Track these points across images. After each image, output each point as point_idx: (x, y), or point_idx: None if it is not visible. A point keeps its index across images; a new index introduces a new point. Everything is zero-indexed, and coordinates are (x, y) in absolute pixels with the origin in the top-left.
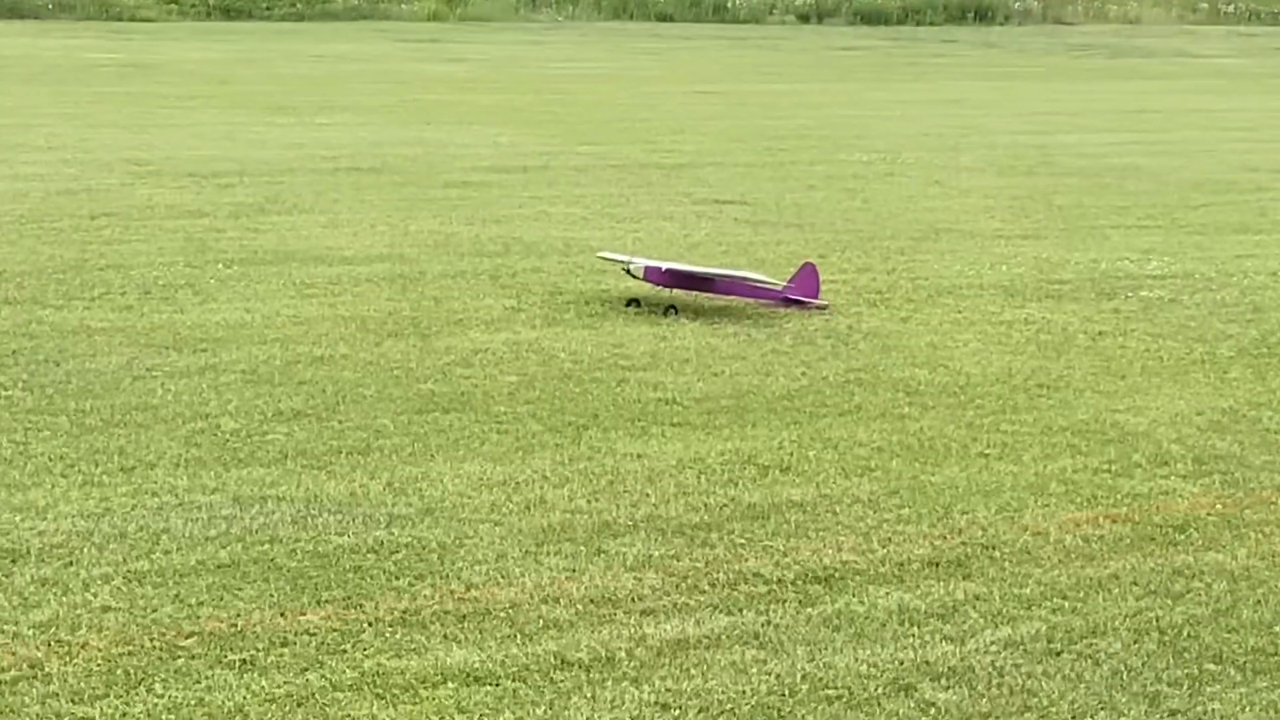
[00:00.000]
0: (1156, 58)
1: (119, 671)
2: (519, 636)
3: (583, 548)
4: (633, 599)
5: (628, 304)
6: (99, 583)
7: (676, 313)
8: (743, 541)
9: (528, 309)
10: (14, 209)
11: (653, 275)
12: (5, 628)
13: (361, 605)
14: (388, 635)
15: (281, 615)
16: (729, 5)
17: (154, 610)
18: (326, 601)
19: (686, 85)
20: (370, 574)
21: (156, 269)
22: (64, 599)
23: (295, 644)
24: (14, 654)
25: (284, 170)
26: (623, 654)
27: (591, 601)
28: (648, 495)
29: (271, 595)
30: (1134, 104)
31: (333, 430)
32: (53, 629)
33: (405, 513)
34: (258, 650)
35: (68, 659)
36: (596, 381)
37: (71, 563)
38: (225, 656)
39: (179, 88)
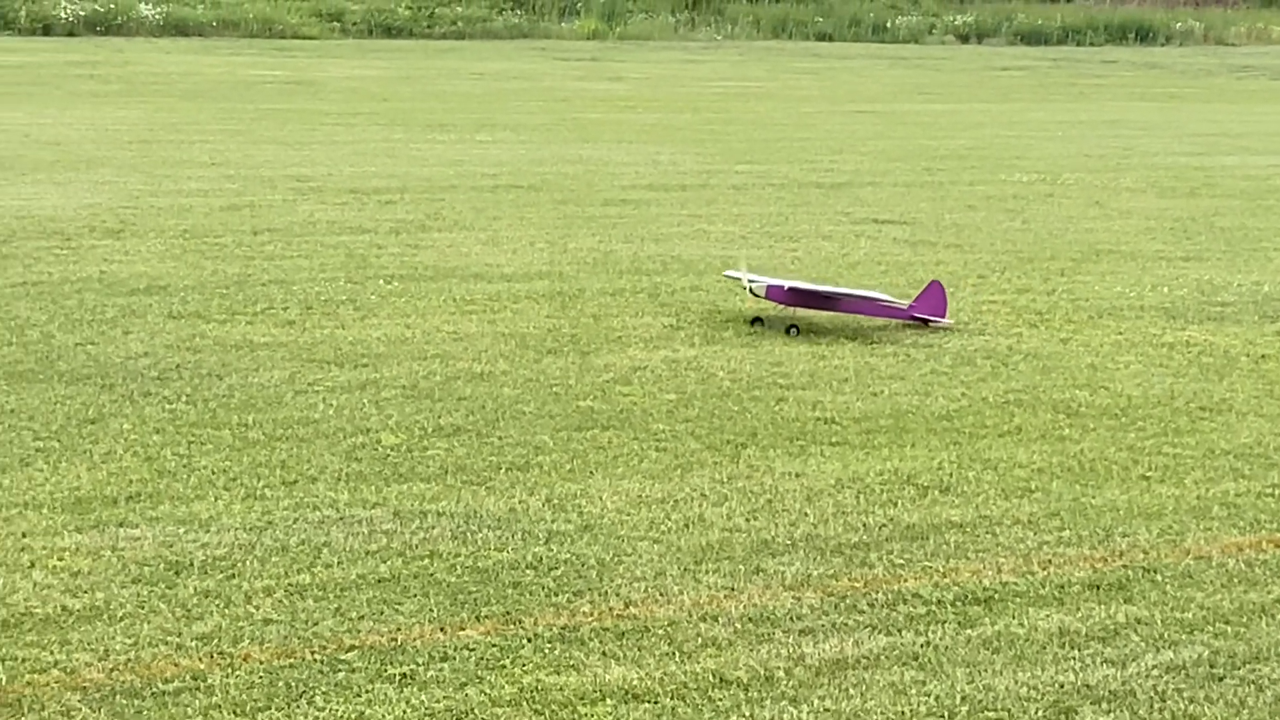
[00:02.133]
0: None
1: (280, 684)
2: (677, 654)
3: (741, 566)
4: (791, 618)
5: (751, 322)
6: (261, 595)
7: (798, 332)
8: (902, 562)
9: (686, 327)
10: (178, 224)
11: (775, 294)
12: (169, 639)
13: (520, 621)
14: (546, 651)
15: (441, 630)
16: (888, 25)
17: (315, 623)
18: (486, 617)
19: (845, 104)
20: (529, 590)
21: (318, 284)
22: (226, 611)
23: (455, 659)
24: (177, 665)
25: (445, 187)
26: (781, 673)
27: (750, 620)
28: (806, 514)
29: (431, 610)
30: None
31: (492, 446)
32: (215, 640)
33: (564, 529)
34: (418, 664)
35: (230, 671)
36: (755, 400)
37: (234, 575)
38: (385, 670)
39: (341, 105)
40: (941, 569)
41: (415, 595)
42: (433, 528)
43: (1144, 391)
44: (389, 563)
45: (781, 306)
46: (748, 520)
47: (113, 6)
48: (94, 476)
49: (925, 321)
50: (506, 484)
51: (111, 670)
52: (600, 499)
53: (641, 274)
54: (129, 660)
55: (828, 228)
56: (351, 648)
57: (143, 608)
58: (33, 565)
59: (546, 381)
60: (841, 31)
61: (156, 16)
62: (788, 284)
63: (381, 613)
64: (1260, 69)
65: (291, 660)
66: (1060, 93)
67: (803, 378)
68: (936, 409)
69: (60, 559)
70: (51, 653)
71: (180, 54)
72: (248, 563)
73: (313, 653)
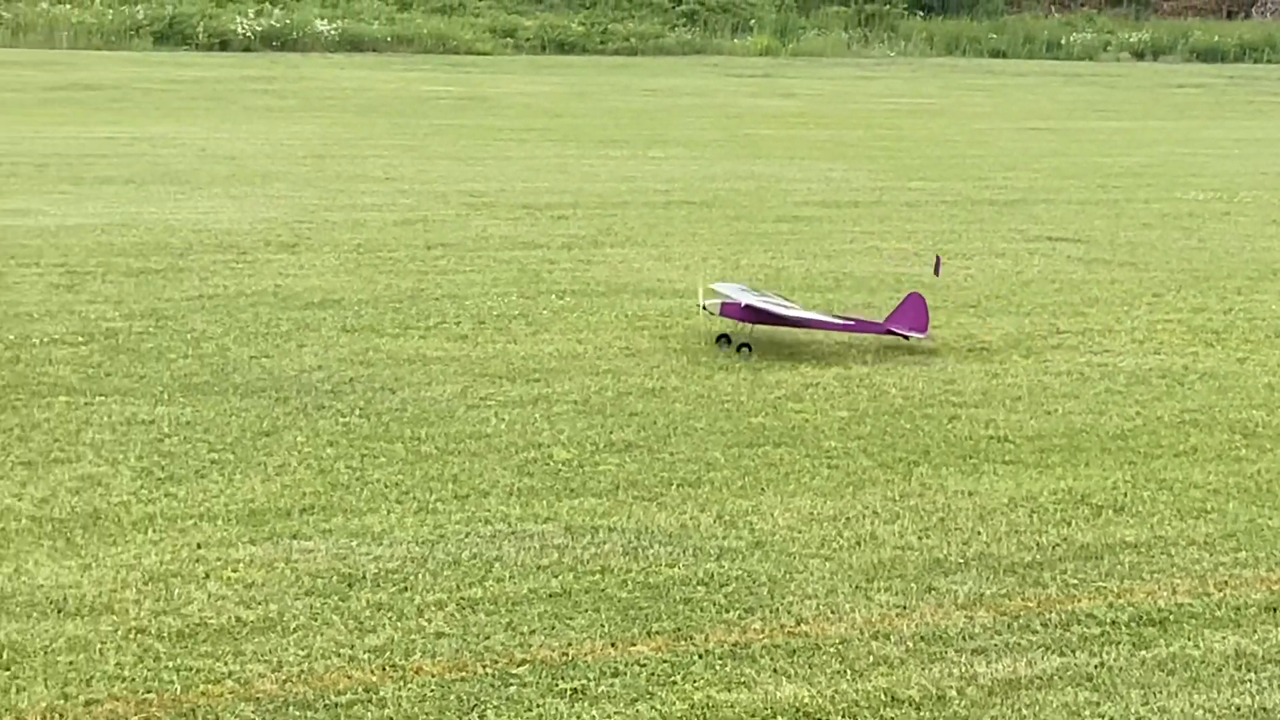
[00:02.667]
0: None
1: (451, 697)
2: (849, 672)
3: (913, 584)
4: (964, 637)
5: (717, 340)
6: (433, 609)
7: (750, 351)
8: (1075, 582)
9: (859, 343)
10: (353, 238)
11: (730, 311)
12: (342, 651)
13: (691, 637)
14: (718, 668)
15: (612, 645)
16: (1063, 42)
17: (487, 637)
18: (657, 633)
19: (1019, 121)
20: (700, 606)
21: (491, 299)
22: (399, 624)
23: (626, 674)
24: (350, 677)
25: (616, 203)
26: (954, 692)
27: (922, 639)
28: (979, 533)
29: (603, 625)
30: None
31: (664, 462)
32: (387, 653)
33: (736, 546)
34: (589, 679)
35: (402, 684)
36: (927, 417)
37: (406, 588)
38: (556, 685)
39: (513, 120)
40: (1116, 589)
41: (586, 610)
42: (604, 543)
43: None
44: (560, 578)
45: (741, 324)
46: (920, 538)
47: (289, 22)
48: (268, 489)
49: (904, 337)
50: (678, 500)
51: (285, 682)
52: (772, 516)
53: (814, 290)
54: (302, 672)
55: (1001, 245)
56: (523, 662)
57: (316, 620)
58: (207, 576)
59: (718, 398)
60: (1015, 48)
61: (332, 32)
62: (744, 301)
63: (553, 627)
64: None
65: (463, 674)
66: (1237, 110)
67: (975, 395)
68: (1111, 428)
69: (234, 570)
70: (225, 663)
71: (355, 69)
72: (420, 576)
73: (484, 667)
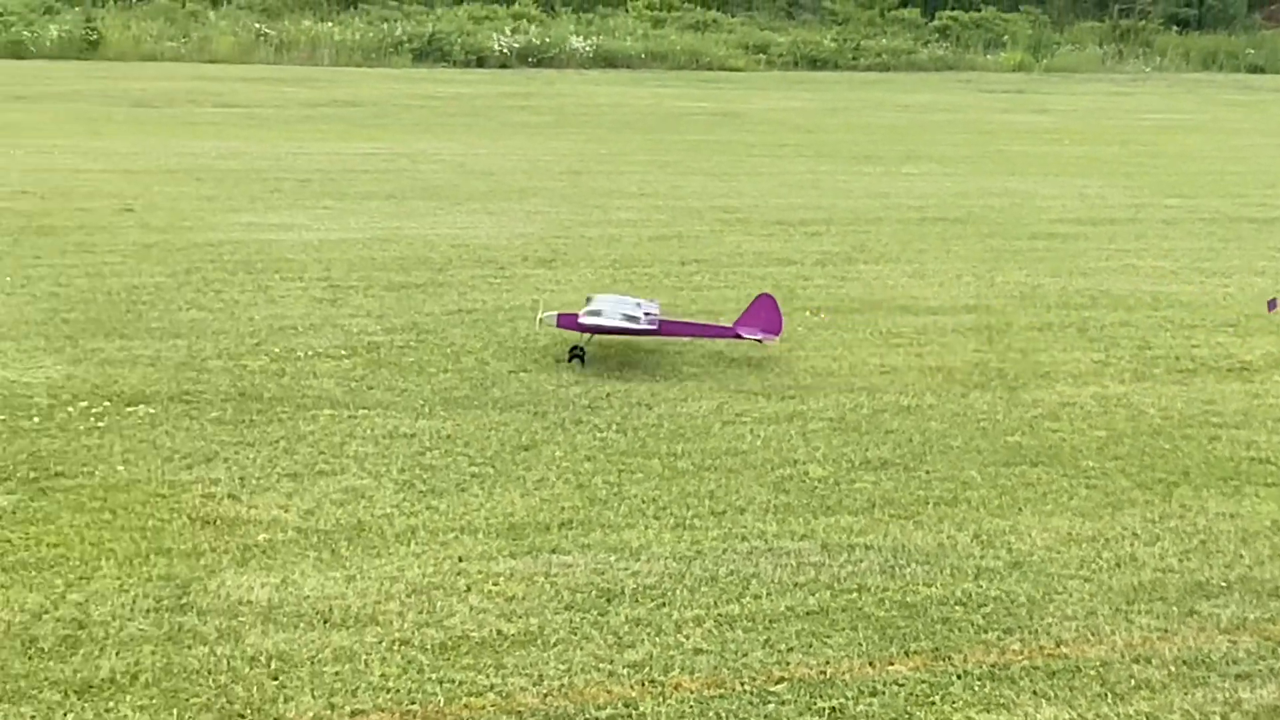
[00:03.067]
0: None
1: (710, 714)
2: (1110, 696)
3: (1174, 608)
4: (1227, 662)
5: (570, 352)
6: (690, 625)
7: (582, 362)
8: None
9: (1115, 363)
10: (608, 254)
11: (567, 322)
12: (601, 666)
13: (949, 657)
14: (976, 689)
15: (870, 664)
16: None
17: (744, 654)
18: (915, 652)
19: (1278, 138)
20: (958, 626)
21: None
22: (657, 639)
23: (884, 694)
24: (610, 692)
25: (870, 219)
26: (1217, 718)
27: (1184, 663)
28: (1241, 556)
29: (860, 644)
30: None
31: (919, 480)
32: (646, 669)
33: (993, 565)
34: (846, 698)
35: (660, 699)
36: (1187, 438)
37: (664, 604)
38: (814, 703)
39: (766, 136)
40: None
41: (844, 628)
42: (860, 561)
43: None
44: (817, 595)
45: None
46: (1180, 560)
47: (546, 40)
48: (527, 503)
49: (758, 341)
50: (934, 519)
51: (545, 695)
52: (1029, 535)
53: (1069, 308)
54: (562, 686)
55: (1261, 263)
56: (781, 680)
57: (575, 634)
58: (469, 589)
59: (974, 416)
60: (1274, 63)
61: (587, 49)
62: (581, 314)
63: (810, 645)
64: None
65: (721, 691)
66: None
67: (1236, 416)
68: None
69: (495, 584)
70: (487, 676)
71: (609, 85)
72: (677, 592)
73: (742, 684)
